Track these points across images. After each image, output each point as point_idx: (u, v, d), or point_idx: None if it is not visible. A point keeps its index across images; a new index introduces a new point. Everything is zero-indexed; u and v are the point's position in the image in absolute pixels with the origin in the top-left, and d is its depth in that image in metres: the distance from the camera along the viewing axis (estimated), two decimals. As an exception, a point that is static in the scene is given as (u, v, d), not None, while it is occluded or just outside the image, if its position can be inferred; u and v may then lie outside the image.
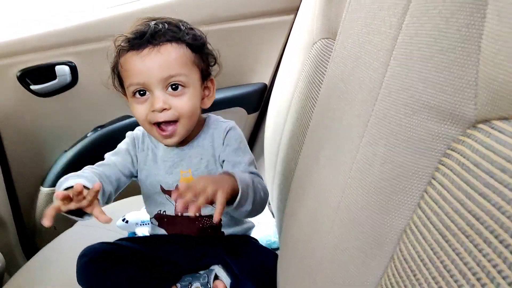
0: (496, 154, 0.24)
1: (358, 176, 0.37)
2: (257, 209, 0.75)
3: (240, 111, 1.35)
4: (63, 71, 1.20)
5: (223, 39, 1.22)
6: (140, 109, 0.74)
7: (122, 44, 0.73)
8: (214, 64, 0.81)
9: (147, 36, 0.71)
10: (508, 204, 0.23)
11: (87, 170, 0.77)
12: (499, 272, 0.22)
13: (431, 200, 0.29)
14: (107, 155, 0.84)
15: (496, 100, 0.25)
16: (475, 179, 0.26)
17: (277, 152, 1.03)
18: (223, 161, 0.80)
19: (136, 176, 0.86)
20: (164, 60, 0.71)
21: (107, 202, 0.78)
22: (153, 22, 0.73)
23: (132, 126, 1.28)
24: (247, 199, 0.70)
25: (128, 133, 0.87)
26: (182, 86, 0.73)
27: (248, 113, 1.37)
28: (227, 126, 0.82)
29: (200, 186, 0.63)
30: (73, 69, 1.21)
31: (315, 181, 0.51)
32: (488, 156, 0.25)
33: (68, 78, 1.21)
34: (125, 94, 0.79)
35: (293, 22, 1.21)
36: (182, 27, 0.75)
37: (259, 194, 0.74)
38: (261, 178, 0.81)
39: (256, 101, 1.37)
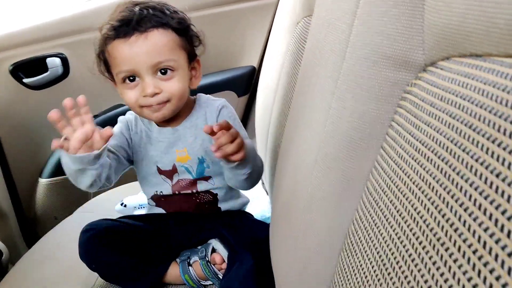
0: (443, 90, 0.28)
1: (331, 130, 0.40)
2: (253, 177, 0.78)
3: (230, 94, 1.38)
4: (54, 63, 1.22)
5: (211, 25, 1.25)
6: (130, 95, 0.75)
7: (108, 32, 0.74)
8: (199, 45, 0.82)
9: (133, 23, 0.72)
10: (458, 135, 0.26)
11: None
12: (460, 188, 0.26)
13: (392, 141, 0.32)
14: None
15: (439, 43, 0.28)
16: (428, 116, 0.29)
17: (267, 131, 1.06)
18: None
19: (133, 161, 0.88)
20: (152, 47, 0.72)
21: (107, 184, 0.79)
22: (137, 8, 0.74)
23: (125, 113, 1.30)
24: (248, 161, 0.74)
25: (120, 118, 0.89)
26: (171, 70, 0.74)
27: (239, 96, 1.40)
28: (219, 105, 0.84)
29: (235, 133, 0.67)
30: (64, 61, 1.23)
31: (295, 147, 0.54)
32: (437, 93, 0.28)
33: (60, 69, 1.23)
34: (112, 79, 0.80)
35: (277, 4, 1.23)
36: (167, 11, 0.76)
37: (258, 160, 0.78)
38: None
39: (246, 84, 1.40)
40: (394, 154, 0.32)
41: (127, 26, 0.72)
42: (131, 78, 0.75)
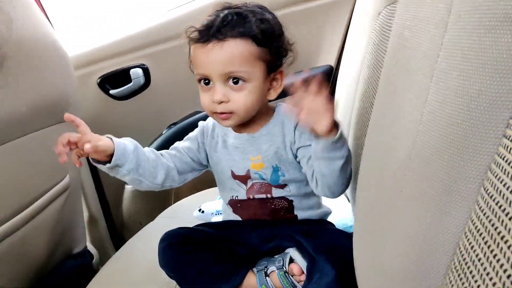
0: None
1: (430, 119, 0.33)
2: (348, 168, 0.73)
3: (307, 96, 1.32)
4: (137, 73, 1.28)
5: (286, 25, 1.21)
6: (204, 97, 0.77)
7: (191, 35, 0.75)
8: (287, 56, 0.79)
9: (213, 30, 0.71)
10: None
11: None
12: None
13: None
14: (179, 142, 0.89)
15: None
16: None
17: (348, 133, 0.99)
18: (299, 148, 0.79)
19: (207, 165, 0.89)
20: (226, 56, 0.72)
21: (173, 182, 0.84)
22: (222, 13, 0.73)
23: (202, 120, 1.32)
24: (344, 141, 0.70)
25: (200, 122, 0.91)
26: (243, 80, 0.73)
27: (316, 98, 1.34)
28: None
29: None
30: (146, 71, 1.28)
31: (382, 145, 0.47)
32: None
33: (142, 80, 1.28)
34: None
35: (356, -1, 1.16)
36: (252, 18, 0.73)
37: (350, 152, 0.73)
38: None
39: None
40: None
41: (208, 32, 0.72)
42: (206, 81, 0.75)
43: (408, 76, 0.39)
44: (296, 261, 0.78)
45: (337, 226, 0.90)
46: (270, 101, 0.82)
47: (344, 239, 0.77)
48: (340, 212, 1.01)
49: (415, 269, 0.34)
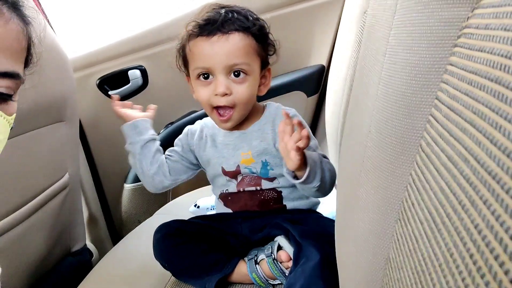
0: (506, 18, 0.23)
1: (383, 92, 0.36)
2: (325, 187, 0.77)
3: (300, 94, 1.35)
4: (135, 75, 1.31)
5: (278, 26, 1.23)
6: (203, 92, 0.79)
7: (193, 29, 0.78)
8: (273, 54, 0.84)
9: (218, 23, 0.75)
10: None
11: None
12: None
13: (448, 86, 0.27)
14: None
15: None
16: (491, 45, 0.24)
17: (337, 130, 1.01)
18: None
19: (198, 164, 0.93)
20: (231, 48, 0.74)
21: (167, 181, 0.91)
22: (223, 10, 0.77)
23: (198, 119, 1.34)
24: (316, 175, 0.73)
25: (186, 127, 0.95)
26: (244, 73, 0.76)
27: (308, 96, 1.37)
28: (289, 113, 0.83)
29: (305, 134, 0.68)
30: (144, 72, 1.31)
31: (355, 124, 0.50)
32: (496, 24, 0.23)
33: (140, 81, 1.32)
34: (187, 75, 0.84)
35: (345, -2, 1.19)
36: (250, 17, 0.78)
37: (327, 171, 0.76)
38: (327, 159, 0.83)
39: (315, 84, 1.36)
40: (452, 101, 0.27)
41: (212, 25, 0.75)
42: (206, 75, 0.78)
43: (372, 58, 0.42)
44: (284, 248, 0.80)
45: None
46: (258, 99, 0.86)
47: (330, 226, 0.79)
48: (330, 204, 1.03)
49: (374, 228, 0.36)
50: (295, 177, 0.74)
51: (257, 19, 0.80)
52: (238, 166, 0.86)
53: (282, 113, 0.71)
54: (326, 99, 1.20)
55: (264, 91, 0.84)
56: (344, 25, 1.12)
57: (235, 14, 0.76)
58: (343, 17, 1.17)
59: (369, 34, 0.48)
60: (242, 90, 0.76)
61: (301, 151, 0.68)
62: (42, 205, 1.05)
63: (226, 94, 0.76)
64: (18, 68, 0.46)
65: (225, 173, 0.88)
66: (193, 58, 0.78)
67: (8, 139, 0.95)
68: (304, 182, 0.72)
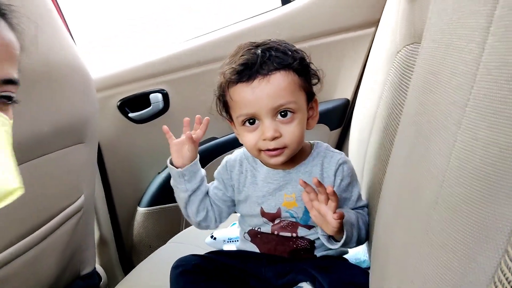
0: None
1: (457, 165, 0.33)
2: (360, 243, 0.78)
3: (323, 127, 1.34)
4: (156, 98, 1.30)
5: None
6: (249, 137, 0.74)
7: (231, 76, 0.73)
8: (317, 83, 0.79)
9: (256, 66, 0.70)
10: None
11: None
12: None
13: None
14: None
15: None
16: None
17: (363, 166, 0.99)
18: None
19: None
20: (274, 90, 0.70)
21: (211, 223, 0.88)
22: (259, 50, 0.72)
23: (219, 147, 1.33)
24: (352, 238, 0.72)
25: (224, 158, 0.89)
26: (292, 112, 0.72)
27: (331, 129, 1.35)
28: (340, 159, 0.80)
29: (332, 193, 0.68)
30: (165, 96, 1.31)
31: (407, 183, 0.47)
32: None
33: (161, 104, 1.31)
34: (230, 120, 0.80)
35: (374, 34, 1.19)
36: (288, 52, 0.73)
37: (363, 229, 0.76)
38: (366, 207, 0.82)
39: (339, 117, 1.35)
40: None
41: (250, 69, 0.71)
42: (251, 121, 0.73)
43: (435, 120, 0.40)
44: (309, 295, 0.77)
45: (350, 260, 0.89)
46: None
47: (360, 275, 0.76)
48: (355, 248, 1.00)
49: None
50: (330, 238, 0.73)
51: (296, 51, 0.75)
52: (279, 208, 0.80)
53: (314, 181, 0.69)
54: (350, 134, 1.18)
55: (312, 125, 0.79)
56: (373, 62, 1.11)
57: (273, 52, 0.72)
58: (371, 53, 1.16)
59: (425, 90, 0.46)
60: (292, 130, 0.72)
61: (340, 218, 0.67)
62: (57, 227, 1.03)
63: (276, 138, 0.72)
64: (16, 73, 0.51)
65: (264, 214, 0.82)
66: (235, 106, 0.74)
67: (27, 162, 0.94)
68: (328, 239, 0.73)
